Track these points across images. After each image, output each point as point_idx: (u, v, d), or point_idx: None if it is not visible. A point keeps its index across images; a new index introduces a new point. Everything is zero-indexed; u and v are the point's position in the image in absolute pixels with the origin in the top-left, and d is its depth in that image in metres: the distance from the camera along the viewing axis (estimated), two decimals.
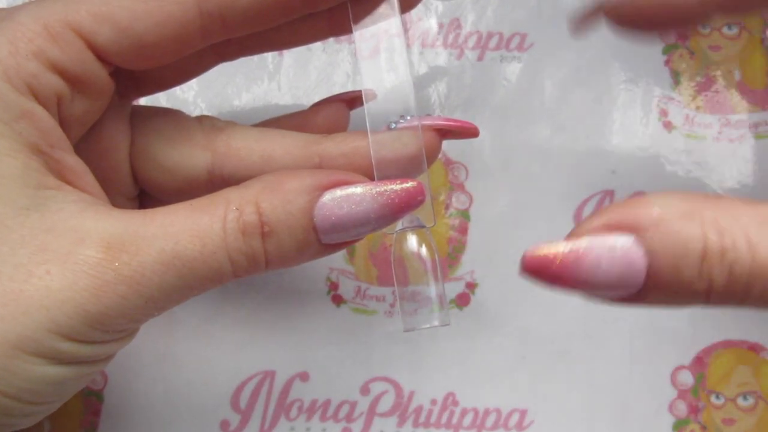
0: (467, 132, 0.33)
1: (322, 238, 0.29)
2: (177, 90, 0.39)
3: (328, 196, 0.29)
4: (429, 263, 0.31)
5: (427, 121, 0.32)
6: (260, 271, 0.29)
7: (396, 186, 0.29)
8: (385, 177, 0.31)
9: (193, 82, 0.41)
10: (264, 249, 0.29)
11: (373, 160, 0.31)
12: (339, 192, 0.29)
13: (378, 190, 0.29)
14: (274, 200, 0.29)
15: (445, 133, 0.33)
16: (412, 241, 0.32)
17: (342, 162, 0.32)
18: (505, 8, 0.46)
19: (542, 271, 0.27)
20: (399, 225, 0.32)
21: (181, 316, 0.42)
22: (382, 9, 0.32)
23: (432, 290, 0.31)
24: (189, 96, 0.44)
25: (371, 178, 0.31)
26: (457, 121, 0.33)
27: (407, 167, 0.32)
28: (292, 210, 0.29)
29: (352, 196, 0.29)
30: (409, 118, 0.32)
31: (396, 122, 0.32)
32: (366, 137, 0.32)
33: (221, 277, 0.29)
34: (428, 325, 0.31)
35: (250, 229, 0.28)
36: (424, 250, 0.31)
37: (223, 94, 0.44)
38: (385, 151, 0.31)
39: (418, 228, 0.32)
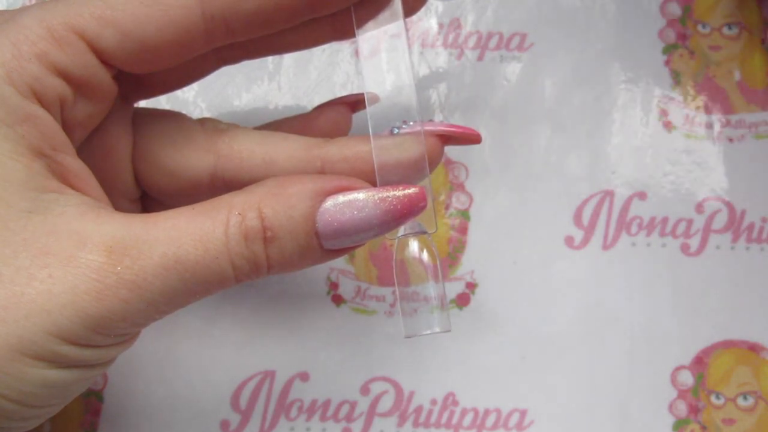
0: (470, 138, 0.33)
1: (325, 244, 0.29)
2: (177, 91, 0.39)
3: (330, 202, 0.29)
4: (431, 269, 0.31)
5: (430, 127, 0.32)
6: (262, 276, 0.29)
7: (398, 192, 0.29)
8: (388, 183, 0.31)
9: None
10: (266, 254, 0.29)
11: (375, 166, 0.31)
12: (341, 198, 0.29)
13: (380, 196, 0.29)
14: (276, 205, 0.29)
15: (448, 139, 0.33)
16: (413, 247, 0.31)
17: (344, 166, 0.32)
18: (505, 8, 0.46)
19: None
20: (401, 231, 0.32)
21: (182, 317, 0.42)
22: (386, 13, 0.32)
23: (433, 296, 0.31)
24: (189, 96, 0.44)
25: (373, 183, 0.31)
26: (459, 128, 0.33)
27: (409, 173, 0.31)
28: (294, 215, 0.29)
29: (354, 202, 0.29)
30: (411, 123, 0.32)
31: (399, 127, 0.32)
32: (368, 142, 0.32)
33: (223, 281, 0.29)
34: (429, 331, 0.31)
35: (252, 234, 0.28)
36: (425, 256, 0.31)
37: (224, 94, 0.44)
38: (388, 156, 0.31)
39: (420, 234, 0.32)
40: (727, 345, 0.43)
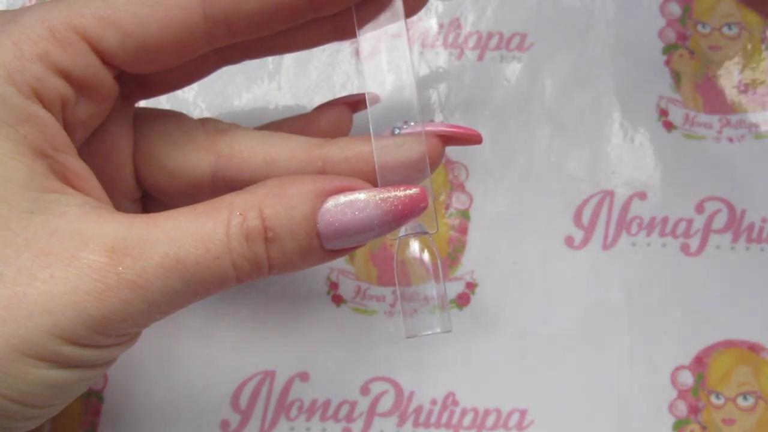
0: (471, 139, 0.33)
1: (326, 244, 0.29)
2: (177, 91, 0.39)
3: (331, 203, 0.29)
4: (431, 269, 0.31)
5: (431, 128, 0.32)
6: (263, 276, 0.30)
7: (399, 192, 0.29)
8: (389, 183, 0.31)
9: None
10: (267, 254, 0.29)
11: (376, 166, 0.31)
12: (342, 198, 0.29)
13: (381, 196, 0.29)
14: (277, 206, 0.29)
15: (449, 139, 0.33)
16: (414, 247, 0.32)
17: (345, 167, 0.32)
18: (505, 8, 0.46)
19: None
20: (402, 231, 0.32)
21: (182, 317, 0.41)
22: (386, 14, 0.32)
23: (434, 296, 0.31)
24: (189, 96, 0.44)
25: (374, 184, 0.31)
26: (460, 128, 0.33)
27: (410, 173, 0.31)
28: (295, 216, 0.29)
29: (355, 203, 0.29)
30: (413, 123, 0.32)
31: (399, 128, 0.32)
32: (369, 142, 0.32)
33: (224, 281, 0.29)
34: (430, 332, 0.31)
35: (253, 235, 0.28)
36: (426, 256, 0.31)
37: (224, 94, 0.44)
38: (389, 156, 0.31)
39: (421, 234, 0.32)
40: (727, 345, 0.43)
